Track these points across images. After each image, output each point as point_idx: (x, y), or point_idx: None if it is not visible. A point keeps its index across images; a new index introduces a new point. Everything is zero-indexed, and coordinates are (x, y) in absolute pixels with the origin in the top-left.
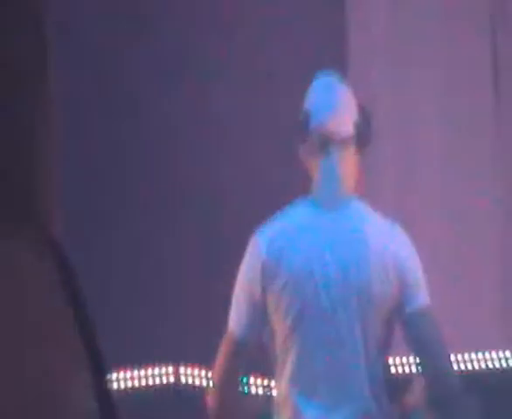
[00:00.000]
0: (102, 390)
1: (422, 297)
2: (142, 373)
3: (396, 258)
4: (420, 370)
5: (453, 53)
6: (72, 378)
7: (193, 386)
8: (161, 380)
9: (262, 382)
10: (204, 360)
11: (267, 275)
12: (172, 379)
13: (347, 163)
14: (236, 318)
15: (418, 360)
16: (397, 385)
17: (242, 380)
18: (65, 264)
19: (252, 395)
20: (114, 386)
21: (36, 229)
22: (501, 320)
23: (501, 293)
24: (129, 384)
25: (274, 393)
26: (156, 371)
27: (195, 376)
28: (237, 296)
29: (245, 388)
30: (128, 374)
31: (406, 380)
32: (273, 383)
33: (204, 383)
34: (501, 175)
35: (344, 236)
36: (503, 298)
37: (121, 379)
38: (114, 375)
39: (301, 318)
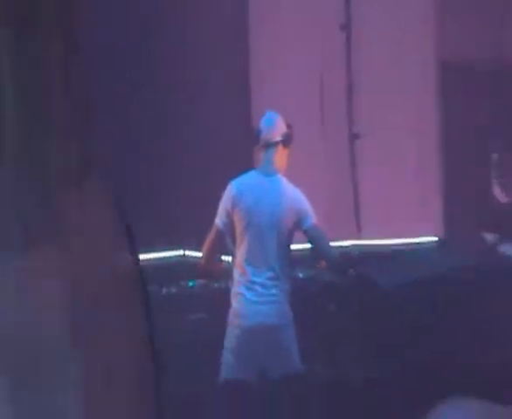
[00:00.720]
0: (136, 262)
1: (311, 219)
2: (157, 254)
3: (296, 202)
4: (319, 254)
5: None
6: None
7: (195, 259)
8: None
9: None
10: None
11: (234, 203)
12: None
13: (276, 155)
14: (219, 219)
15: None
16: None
17: (220, 256)
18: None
19: (223, 261)
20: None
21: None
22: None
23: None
24: (150, 261)
25: (234, 261)
26: (170, 252)
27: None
28: (220, 209)
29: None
30: (148, 255)
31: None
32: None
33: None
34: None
35: (271, 189)
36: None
37: (144, 258)
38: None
39: (248, 226)
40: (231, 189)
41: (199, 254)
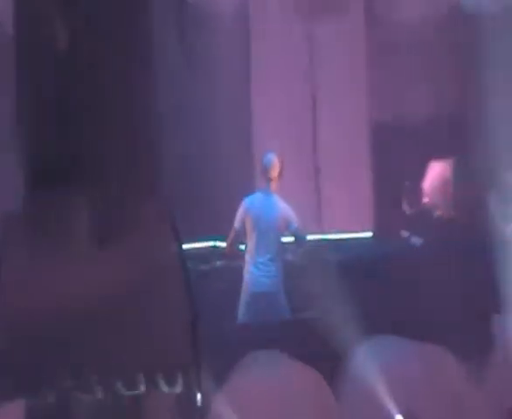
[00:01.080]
0: (181, 254)
1: (295, 223)
2: (198, 244)
3: (286, 213)
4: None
5: None
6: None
7: (222, 248)
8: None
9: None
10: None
11: (246, 212)
12: (211, 245)
13: (273, 183)
14: (236, 222)
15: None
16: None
17: (238, 246)
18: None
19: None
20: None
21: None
22: None
23: None
24: (194, 249)
25: (246, 249)
26: (202, 244)
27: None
28: (237, 216)
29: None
30: (192, 245)
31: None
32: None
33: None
34: None
35: (270, 205)
36: None
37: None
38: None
39: (255, 227)
40: (244, 204)
41: (224, 244)
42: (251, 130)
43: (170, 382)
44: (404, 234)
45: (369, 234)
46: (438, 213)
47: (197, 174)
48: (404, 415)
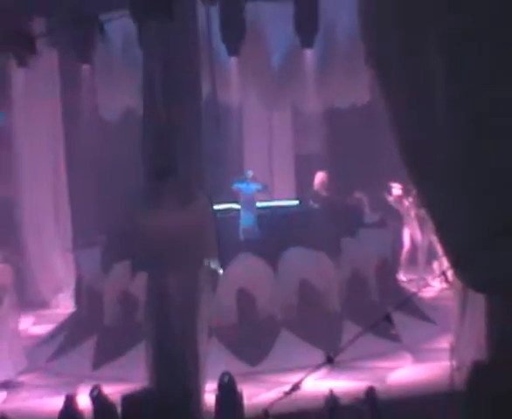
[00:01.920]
0: (215, 214)
1: (260, 185)
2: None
3: (256, 185)
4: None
5: None
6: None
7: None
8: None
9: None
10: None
11: (240, 190)
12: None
13: (253, 179)
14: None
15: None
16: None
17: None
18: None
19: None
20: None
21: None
22: None
23: None
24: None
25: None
26: (222, 206)
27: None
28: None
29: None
30: (217, 206)
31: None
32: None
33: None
34: None
35: (250, 187)
36: None
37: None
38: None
39: (244, 196)
40: (235, 186)
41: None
42: (243, 160)
43: (213, 263)
44: (311, 203)
45: (296, 202)
46: (322, 194)
47: (219, 178)
48: (302, 282)
